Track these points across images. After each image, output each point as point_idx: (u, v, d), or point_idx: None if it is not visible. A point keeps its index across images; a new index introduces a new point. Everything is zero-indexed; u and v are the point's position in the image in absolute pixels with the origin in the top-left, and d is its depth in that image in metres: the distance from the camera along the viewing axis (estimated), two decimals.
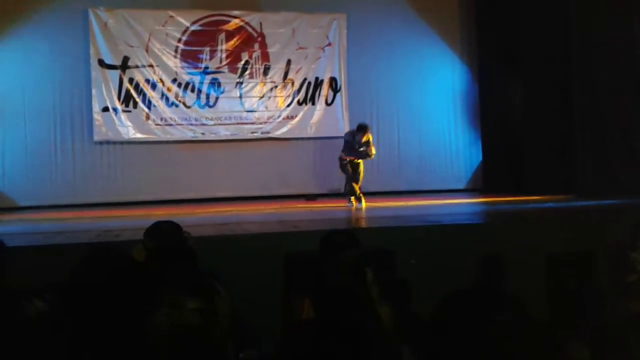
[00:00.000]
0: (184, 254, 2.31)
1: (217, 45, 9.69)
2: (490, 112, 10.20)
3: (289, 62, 9.93)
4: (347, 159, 8.29)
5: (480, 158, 10.44)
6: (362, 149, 8.20)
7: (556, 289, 3.56)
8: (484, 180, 10.34)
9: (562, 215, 6.61)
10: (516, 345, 2.64)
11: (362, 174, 8.36)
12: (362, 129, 8.20)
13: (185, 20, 9.57)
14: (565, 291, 3.45)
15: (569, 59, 8.50)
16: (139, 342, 1.84)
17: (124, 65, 9.37)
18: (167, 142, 9.59)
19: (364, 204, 8.14)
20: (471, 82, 10.50)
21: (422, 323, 2.56)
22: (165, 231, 2.60)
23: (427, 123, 10.37)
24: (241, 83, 9.81)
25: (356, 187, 8.31)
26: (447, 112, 10.49)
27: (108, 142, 9.40)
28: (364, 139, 8.17)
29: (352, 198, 8.28)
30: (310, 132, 10.02)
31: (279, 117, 9.94)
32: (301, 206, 8.53)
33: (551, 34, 8.83)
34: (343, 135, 9.13)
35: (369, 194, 8.77)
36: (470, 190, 10.33)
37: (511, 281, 3.59)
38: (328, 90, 10.11)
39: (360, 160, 8.35)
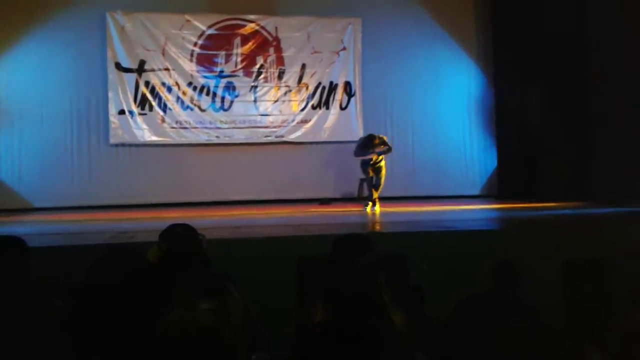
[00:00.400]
0: (196, 256, 2.32)
1: (232, 49, 9.75)
2: (506, 118, 10.14)
3: (303, 66, 9.96)
4: (370, 158, 8.39)
5: (495, 164, 10.37)
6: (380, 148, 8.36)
7: (571, 296, 3.53)
8: (499, 187, 10.27)
9: (578, 222, 6.54)
10: (530, 352, 2.62)
11: (383, 179, 8.42)
12: (372, 138, 8.43)
13: (201, 24, 9.64)
14: (581, 298, 3.43)
15: (586, 66, 8.45)
16: (152, 342, 1.86)
17: (141, 69, 9.47)
18: (182, 145, 9.65)
19: (378, 208, 8.15)
20: (487, 88, 10.44)
21: (436, 328, 2.55)
22: (179, 233, 2.62)
23: (442, 128, 10.34)
24: (256, 87, 9.85)
25: (374, 192, 8.34)
26: (463, 117, 10.45)
27: (124, 145, 9.48)
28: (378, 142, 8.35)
29: (370, 203, 8.30)
30: (324, 137, 10.03)
31: (293, 121, 9.97)
32: (314, 210, 8.53)
33: (568, 41, 8.77)
34: (357, 139, 9.21)
35: (383, 199, 8.77)
36: (485, 196, 10.27)
37: (526, 288, 3.56)
38: (342, 94, 10.12)
39: (382, 164, 8.42)
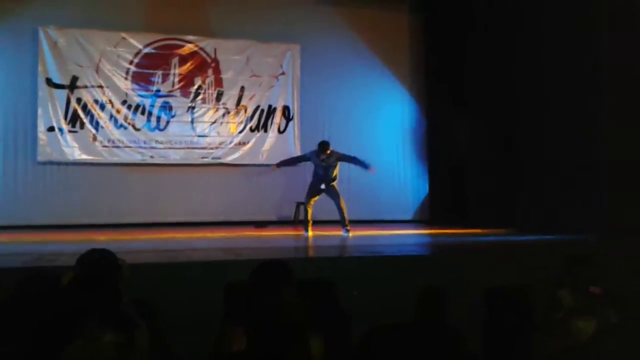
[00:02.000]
0: (108, 283, 2.26)
1: (170, 69, 9.65)
2: (437, 146, 10.49)
3: (242, 89, 9.97)
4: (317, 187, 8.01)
5: (427, 190, 10.66)
6: (331, 169, 7.89)
7: (492, 324, 3.63)
8: (430, 212, 10.56)
9: (502, 249, 6.78)
10: None
11: (341, 200, 7.96)
12: (323, 146, 7.94)
13: (138, 43, 9.50)
14: (501, 326, 3.53)
15: (515, 96, 8.82)
16: None
17: (73, 85, 9.20)
18: (115, 164, 9.41)
19: (310, 232, 8.09)
20: (420, 117, 10.78)
21: (354, 357, 2.57)
22: (93, 258, 2.55)
23: (377, 154, 10.49)
24: (193, 108, 9.76)
25: (309, 213, 8.08)
26: (397, 144, 10.72)
27: (52, 163, 9.14)
28: (330, 157, 7.90)
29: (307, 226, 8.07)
30: (262, 159, 10.03)
31: (230, 143, 9.92)
32: (250, 233, 8.47)
33: (495, 73, 9.18)
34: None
35: (317, 222, 8.79)
36: (417, 221, 10.51)
37: (451, 314, 3.64)
38: (281, 118, 10.18)
39: (333, 184, 7.99)
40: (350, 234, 7.96)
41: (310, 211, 8.27)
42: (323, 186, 8.07)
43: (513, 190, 8.83)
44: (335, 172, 8.07)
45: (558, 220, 7.90)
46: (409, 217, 10.60)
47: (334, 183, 8.08)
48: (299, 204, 9.69)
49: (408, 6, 10.81)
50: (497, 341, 3.47)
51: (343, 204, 8.04)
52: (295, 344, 1.95)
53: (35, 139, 9.04)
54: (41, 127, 9.05)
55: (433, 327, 3.07)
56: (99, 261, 2.47)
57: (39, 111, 9.03)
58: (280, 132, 10.17)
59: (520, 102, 8.75)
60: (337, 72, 10.29)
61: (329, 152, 7.99)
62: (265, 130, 10.08)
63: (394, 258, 5.57)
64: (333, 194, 8.06)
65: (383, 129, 10.59)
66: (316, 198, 8.24)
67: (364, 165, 8.20)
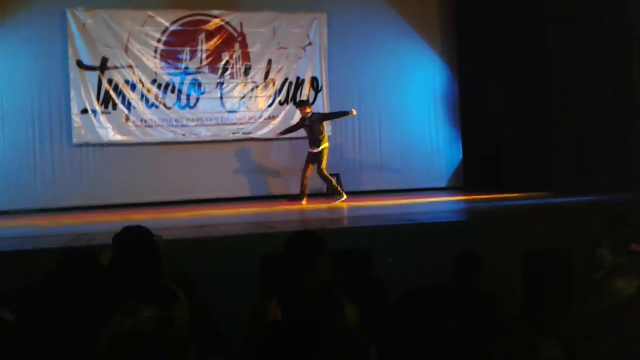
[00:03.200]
0: (146, 258, 2.29)
1: (197, 45, 9.64)
2: (470, 110, 10.28)
3: (269, 62, 9.91)
4: (309, 151, 8.57)
5: (461, 156, 10.51)
6: (315, 129, 8.45)
7: (532, 287, 3.58)
8: (465, 178, 10.42)
9: (539, 212, 6.66)
10: (489, 344, 2.65)
11: (322, 168, 8.46)
12: (299, 104, 8.84)
13: (164, 20, 9.50)
14: (541, 289, 3.48)
15: (547, 59, 8.58)
16: (94, 350, 1.82)
17: (103, 66, 9.29)
18: (147, 143, 9.50)
19: (304, 202, 8.41)
20: (451, 81, 10.56)
21: (389, 321, 2.55)
22: (129, 235, 2.58)
23: (408, 122, 10.41)
24: (222, 83, 9.76)
25: (305, 183, 8.52)
26: (428, 110, 10.55)
27: (87, 145, 9.29)
28: (312, 117, 8.59)
29: (304, 197, 8.49)
30: (295, 132, 9.99)
31: (260, 117, 9.91)
32: (283, 207, 8.51)
33: (528, 33, 8.92)
34: None
35: (351, 193, 8.79)
36: (451, 188, 10.39)
37: (488, 279, 3.60)
38: (309, 90, 10.10)
39: (319, 149, 8.48)
40: (337, 203, 8.34)
41: (305, 182, 8.57)
42: (314, 150, 8.49)
43: (549, 153, 8.63)
44: (321, 136, 8.48)
45: (596, 182, 7.72)
46: (442, 184, 10.48)
47: (322, 148, 8.47)
48: (331, 175, 9.68)
49: None
50: (537, 305, 3.43)
51: (325, 172, 8.47)
52: (330, 313, 1.95)
53: (69, 121, 9.19)
54: (75, 110, 9.18)
55: (469, 292, 3.04)
56: (135, 238, 2.50)
57: (72, 93, 9.15)
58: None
59: (554, 64, 8.49)
60: (365, 39, 10.11)
61: (307, 111, 8.64)
62: (294, 103, 10.03)
63: (428, 225, 5.53)
64: (318, 161, 8.46)
65: (414, 96, 10.42)
66: (311, 167, 8.58)
67: (344, 113, 8.86)
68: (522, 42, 9.03)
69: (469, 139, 10.30)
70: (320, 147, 8.48)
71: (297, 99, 9.91)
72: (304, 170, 8.59)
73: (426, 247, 5.04)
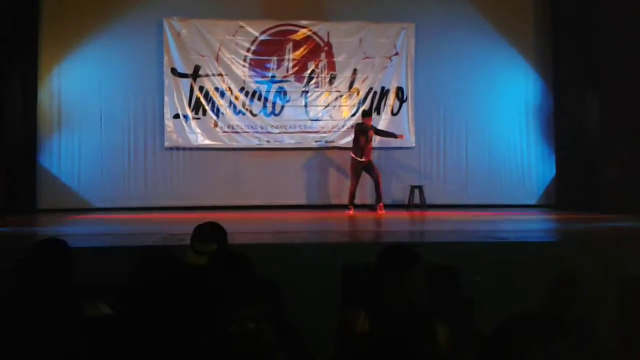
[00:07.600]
0: (243, 261, 2.29)
1: (284, 55, 9.80)
2: (565, 126, 9.77)
3: (355, 72, 9.91)
4: (358, 160, 8.79)
5: (554, 173, 10.01)
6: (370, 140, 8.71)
7: (627, 314, 3.32)
8: (558, 197, 9.90)
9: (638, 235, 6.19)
10: None
11: (378, 175, 8.82)
12: (369, 114, 8.93)
13: (254, 31, 9.74)
14: (636, 317, 3.21)
15: None
16: (199, 348, 1.83)
17: (195, 74, 9.64)
18: (234, 149, 9.76)
19: (351, 212, 8.64)
20: (545, 93, 10.11)
21: (481, 345, 2.42)
22: (216, 234, 2.59)
23: (497, 135, 10.06)
24: (307, 92, 9.86)
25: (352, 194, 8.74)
26: (520, 124, 10.14)
27: (178, 148, 9.67)
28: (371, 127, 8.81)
29: (351, 207, 8.68)
30: (374, 143, 9.90)
31: (343, 126, 9.92)
32: (365, 216, 8.43)
33: (634, 42, 8.35)
34: (409, 146, 9.16)
35: (434, 207, 8.59)
36: (542, 206, 9.93)
37: (582, 304, 3.37)
38: (394, 100, 10.00)
39: (369, 159, 8.78)
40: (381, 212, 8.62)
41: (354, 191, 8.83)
42: (364, 160, 8.75)
43: None
44: (371, 144, 8.79)
45: None
46: (533, 201, 10.02)
47: (370, 159, 8.81)
48: (413, 188, 9.51)
49: None
50: (633, 331, 3.18)
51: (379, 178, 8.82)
52: (422, 331, 1.86)
53: (162, 125, 9.59)
54: (168, 115, 9.59)
55: (568, 317, 2.85)
56: (220, 235, 2.50)
57: (166, 99, 9.57)
58: (393, 114, 10.00)
59: None
60: (454, 50, 9.89)
61: (370, 122, 8.89)
62: (379, 113, 9.95)
63: (519, 244, 5.26)
64: (371, 171, 8.84)
65: (505, 109, 10.06)
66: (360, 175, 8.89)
67: (394, 135, 9.13)
68: (626, 52, 8.47)
69: (564, 155, 9.78)
70: (369, 158, 8.82)
71: (382, 109, 9.86)
72: (358, 180, 8.86)
73: (515, 266, 4.78)
